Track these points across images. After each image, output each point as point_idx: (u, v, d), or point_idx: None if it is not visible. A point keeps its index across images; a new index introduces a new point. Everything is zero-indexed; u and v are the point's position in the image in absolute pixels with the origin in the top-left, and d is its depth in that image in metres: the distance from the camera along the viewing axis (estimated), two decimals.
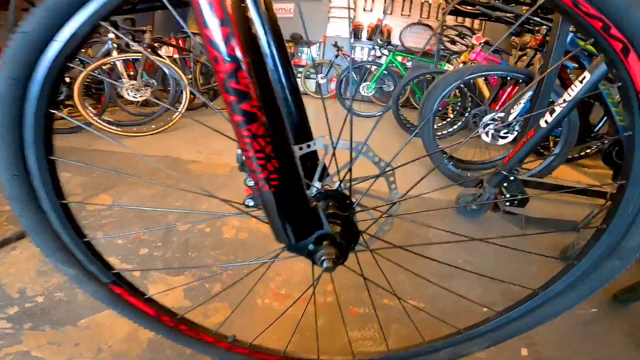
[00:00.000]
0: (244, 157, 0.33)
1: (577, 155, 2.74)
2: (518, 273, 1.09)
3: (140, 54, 2.52)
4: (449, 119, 3.10)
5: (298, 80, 5.43)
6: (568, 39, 1.65)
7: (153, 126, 2.43)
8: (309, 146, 0.38)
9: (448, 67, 3.43)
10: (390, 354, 0.62)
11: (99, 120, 2.37)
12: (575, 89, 1.21)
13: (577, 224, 1.32)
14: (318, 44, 5.87)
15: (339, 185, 0.39)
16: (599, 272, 0.45)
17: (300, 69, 5.75)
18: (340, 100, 4.06)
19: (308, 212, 0.37)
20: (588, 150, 2.67)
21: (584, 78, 1.21)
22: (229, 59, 0.29)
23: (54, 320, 0.75)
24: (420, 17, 5.60)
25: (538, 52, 1.89)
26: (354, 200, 0.40)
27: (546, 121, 1.24)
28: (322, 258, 0.37)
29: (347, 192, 0.40)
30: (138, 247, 1.02)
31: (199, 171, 1.73)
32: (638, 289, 0.92)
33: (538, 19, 2.00)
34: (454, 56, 3.78)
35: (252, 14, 0.38)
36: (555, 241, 1.30)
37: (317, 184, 0.38)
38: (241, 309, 0.78)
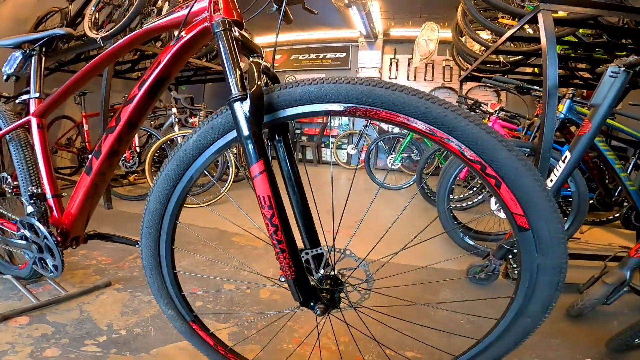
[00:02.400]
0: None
1: (611, 217, 2.75)
2: None
3: None
4: (475, 188, 3.10)
5: (330, 150, 5.79)
6: (566, 105, 1.83)
7: (204, 199, 2.82)
8: (317, 250, 0.66)
9: None
10: None
11: None
12: (560, 168, 1.39)
13: (579, 285, 1.41)
14: None
15: (332, 272, 0.66)
16: (516, 328, 0.64)
17: (333, 140, 6.24)
18: (368, 173, 4.25)
19: (310, 288, 0.64)
20: (618, 214, 2.68)
21: (566, 157, 1.40)
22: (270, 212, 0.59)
23: (133, 349, 1.01)
24: (443, 80, 5.99)
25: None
26: (341, 279, 0.67)
27: None
28: (317, 310, 0.64)
29: (337, 276, 0.67)
30: (195, 300, 1.30)
31: (241, 243, 2.03)
32: (625, 334, 1.03)
33: (537, 87, 2.12)
34: None
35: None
36: (561, 300, 1.39)
37: (321, 271, 0.65)
38: (270, 350, 1.01)
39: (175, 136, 2.88)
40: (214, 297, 1.35)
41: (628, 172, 2.27)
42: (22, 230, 1.05)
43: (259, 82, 0.58)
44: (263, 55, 0.69)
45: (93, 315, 1.16)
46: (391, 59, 6.21)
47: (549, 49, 1.52)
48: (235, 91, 0.58)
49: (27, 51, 1.07)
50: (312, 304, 0.63)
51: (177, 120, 3.01)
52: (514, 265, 1.54)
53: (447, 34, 4.60)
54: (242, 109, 0.57)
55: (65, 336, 1.03)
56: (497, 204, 1.99)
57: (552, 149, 1.62)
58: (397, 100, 0.55)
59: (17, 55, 1.08)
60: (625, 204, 2.38)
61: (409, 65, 6.12)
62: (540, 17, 1.58)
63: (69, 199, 0.99)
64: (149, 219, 0.71)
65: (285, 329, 1.12)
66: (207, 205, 2.79)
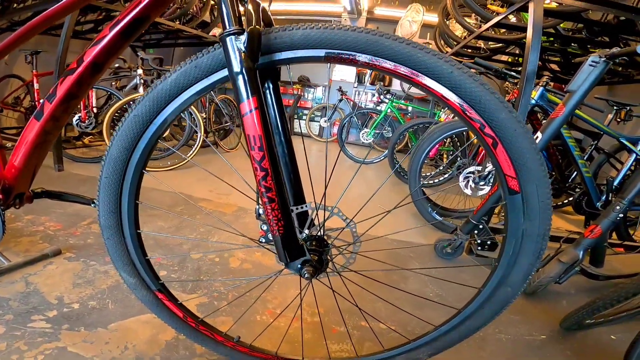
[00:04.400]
0: (261, 212, 0.56)
1: (560, 203, 2.96)
2: None
3: None
4: (442, 167, 3.30)
5: (303, 122, 5.74)
6: (539, 92, 1.89)
7: (169, 162, 2.68)
8: (302, 207, 0.61)
9: (442, 117, 3.70)
10: (358, 359, 0.80)
11: None
12: None
13: None
14: (323, 87, 6.33)
15: (319, 232, 0.63)
16: (496, 297, 0.65)
17: (306, 112, 6.16)
18: (341, 146, 4.31)
19: (298, 247, 0.60)
20: (570, 199, 2.89)
21: (537, 137, 1.45)
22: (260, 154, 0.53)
23: (87, 323, 0.92)
24: None
25: None
26: (328, 241, 0.63)
27: None
28: (305, 273, 0.60)
29: (324, 237, 0.63)
30: (158, 270, 1.22)
31: (210, 209, 1.94)
32: (577, 315, 1.11)
33: (514, 74, 2.14)
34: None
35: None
36: None
37: (306, 231, 0.61)
38: (243, 322, 0.97)
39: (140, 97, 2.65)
40: (180, 265, 1.28)
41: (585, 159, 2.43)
42: None
43: (256, 21, 0.52)
44: None
45: (40, 288, 1.05)
46: None
47: (534, 37, 1.54)
48: (229, 26, 0.52)
49: None
50: (299, 265, 0.59)
51: (142, 81, 2.79)
52: (478, 242, 1.61)
53: (431, 17, 4.59)
54: (236, 44, 0.51)
55: (9, 312, 0.93)
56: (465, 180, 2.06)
57: None
58: (403, 53, 0.51)
59: None
60: (577, 189, 2.56)
61: None
62: (531, 5, 1.58)
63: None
64: (110, 168, 0.62)
65: (257, 299, 1.08)
66: (171, 169, 2.64)
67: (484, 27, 2.34)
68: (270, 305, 1.09)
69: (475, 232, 1.59)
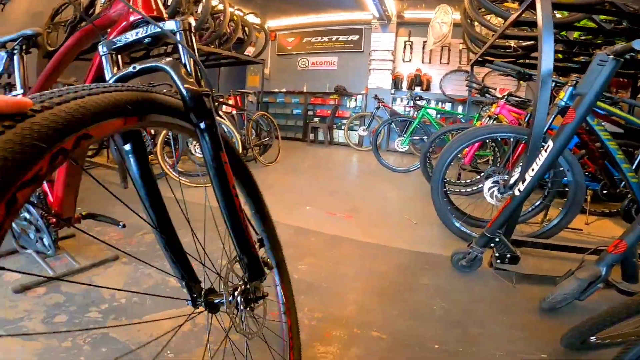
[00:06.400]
0: None
1: (616, 210, 2.65)
2: (481, 317, 1.25)
3: None
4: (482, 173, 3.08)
5: (341, 132, 5.80)
6: (567, 93, 1.73)
7: (201, 181, 2.89)
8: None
9: (480, 121, 3.48)
10: None
11: (172, 172, 2.89)
12: (542, 157, 1.36)
13: (556, 278, 1.39)
14: (361, 96, 6.37)
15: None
16: None
17: (344, 121, 6.25)
18: (375, 153, 4.27)
19: None
20: None
21: (548, 147, 1.35)
22: None
23: (129, 314, 1.13)
24: (460, 64, 5.82)
25: None
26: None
27: (519, 190, 1.40)
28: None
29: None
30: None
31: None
32: (578, 330, 1.01)
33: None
34: (485, 107, 3.67)
35: None
36: (536, 292, 1.39)
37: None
38: None
39: None
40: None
41: (635, 165, 2.17)
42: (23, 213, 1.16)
43: None
44: None
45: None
46: (405, 42, 6.05)
47: (545, 35, 1.45)
48: None
49: (10, 50, 1.21)
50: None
51: None
52: (497, 255, 1.54)
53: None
54: None
55: (73, 304, 1.16)
56: (490, 190, 1.97)
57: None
58: None
59: (3, 54, 1.22)
60: (629, 195, 2.29)
61: (423, 47, 5.94)
62: (538, 1, 1.50)
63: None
64: None
65: None
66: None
67: (502, 27, 2.24)
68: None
69: (492, 245, 1.53)
